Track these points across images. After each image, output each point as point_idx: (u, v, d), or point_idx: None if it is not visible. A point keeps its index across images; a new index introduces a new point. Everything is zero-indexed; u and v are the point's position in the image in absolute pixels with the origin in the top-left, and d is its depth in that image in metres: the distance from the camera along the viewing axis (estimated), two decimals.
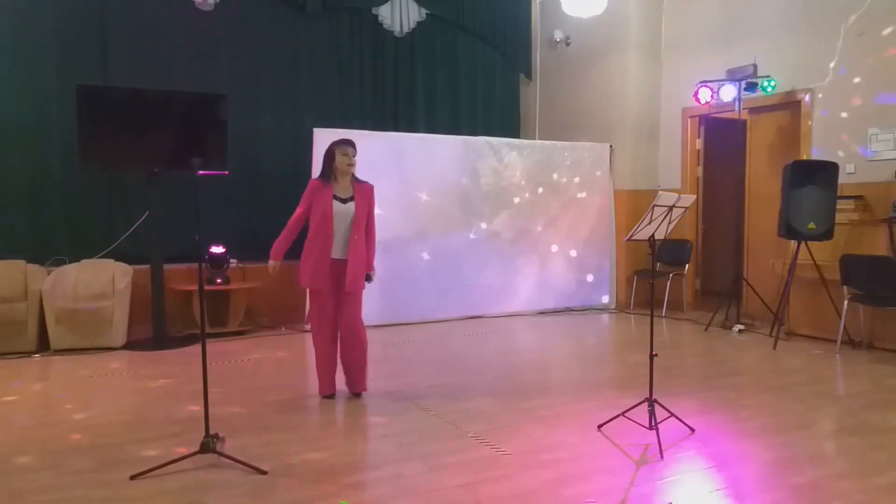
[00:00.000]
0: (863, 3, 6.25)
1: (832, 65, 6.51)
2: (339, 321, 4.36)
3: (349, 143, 4.31)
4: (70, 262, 6.34)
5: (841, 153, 6.39)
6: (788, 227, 5.96)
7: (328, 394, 4.43)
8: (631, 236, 3.75)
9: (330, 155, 4.28)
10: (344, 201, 4.25)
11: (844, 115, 6.45)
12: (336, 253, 4.24)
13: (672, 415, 3.76)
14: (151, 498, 2.94)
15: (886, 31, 6.11)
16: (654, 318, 3.93)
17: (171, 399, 4.46)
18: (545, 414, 4.10)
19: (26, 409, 4.30)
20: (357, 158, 4.37)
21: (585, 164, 8.09)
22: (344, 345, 4.40)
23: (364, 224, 4.31)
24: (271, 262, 4.38)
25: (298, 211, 4.31)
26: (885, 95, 6.12)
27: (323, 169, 4.34)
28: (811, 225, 5.87)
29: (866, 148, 6.27)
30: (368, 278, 4.37)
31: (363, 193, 4.33)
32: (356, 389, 4.45)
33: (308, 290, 4.43)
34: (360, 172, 4.41)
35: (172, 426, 3.87)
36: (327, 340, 4.37)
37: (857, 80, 6.35)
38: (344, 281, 4.24)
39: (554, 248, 7.96)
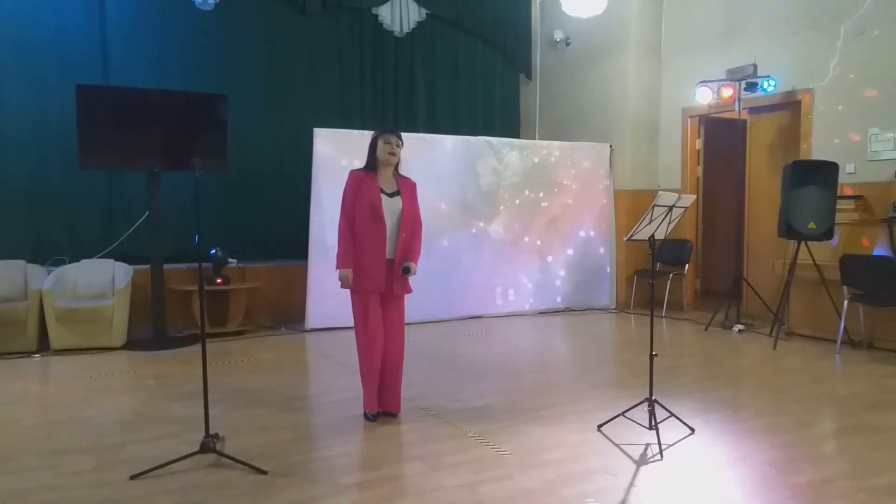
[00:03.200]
0: (863, 3, 6.24)
1: (832, 65, 6.51)
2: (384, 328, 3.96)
3: (392, 133, 3.97)
4: (70, 262, 6.34)
5: (841, 153, 6.39)
6: (788, 227, 5.96)
7: (378, 412, 4.00)
8: (631, 236, 3.75)
9: (373, 144, 3.95)
10: (390, 195, 3.89)
11: (844, 115, 6.45)
12: (387, 252, 3.88)
13: (672, 415, 3.76)
14: (151, 498, 2.94)
15: (887, 31, 6.11)
16: (654, 318, 3.93)
17: (172, 399, 4.46)
18: (545, 414, 4.10)
19: (26, 409, 4.30)
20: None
21: (585, 164, 8.09)
22: (385, 354, 3.96)
23: (411, 221, 3.97)
24: (343, 272, 3.86)
25: (346, 211, 3.87)
26: (884, 96, 6.12)
27: (367, 160, 3.97)
28: (811, 225, 5.86)
29: (866, 148, 6.27)
30: (408, 270, 3.92)
31: (408, 189, 4.00)
32: (392, 408, 4.02)
33: (354, 295, 3.92)
34: None
35: (172, 426, 3.87)
36: (378, 350, 3.91)
37: (857, 79, 6.35)
38: (392, 283, 3.89)
39: (554, 248, 7.96)
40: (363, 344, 3.93)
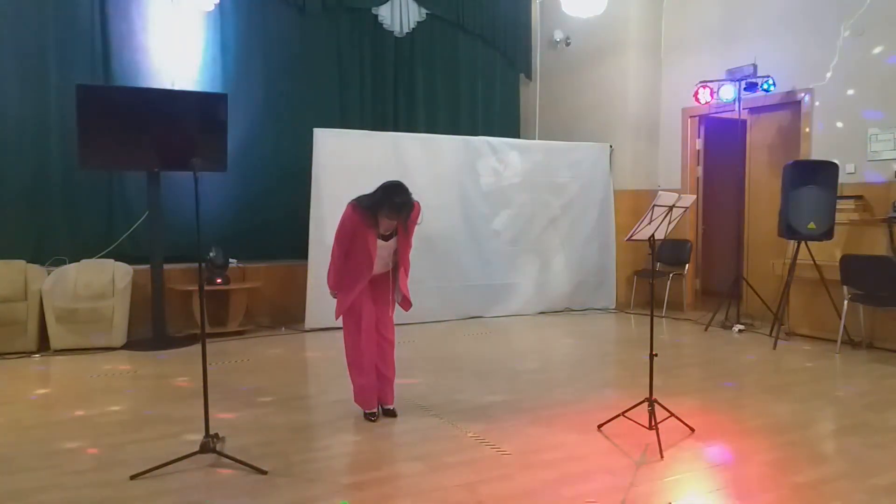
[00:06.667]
0: (863, 3, 6.24)
1: (832, 64, 6.51)
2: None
3: (400, 213, 3.79)
4: (70, 262, 6.33)
5: (841, 153, 6.38)
6: (788, 227, 5.95)
7: (377, 410, 4.06)
8: (631, 236, 3.75)
9: (378, 204, 3.76)
10: (387, 238, 3.91)
11: (844, 114, 6.45)
12: (374, 271, 3.96)
13: (672, 415, 3.75)
14: (151, 498, 2.94)
15: (887, 31, 6.10)
16: (654, 318, 3.93)
17: (172, 399, 4.46)
18: (545, 414, 4.10)
19: (26, 409, 4.30)
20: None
21: (585, 164, 8.08)
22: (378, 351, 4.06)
23: (404, 256, 4.02)
24: (333, 293, 4.03)
25: (341, 241, 3.90)
26: (883, 99, 6.12)
27: (370, 207, 3.78)
28: (811, 225, 5.86)
29: (866, 148, 6.27)
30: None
31: (408, 222, 3.94)
32: (391, 403, 4.11)
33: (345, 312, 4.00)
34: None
35: (172, 426, 3.87)
36: (372, 348, 3.97)
37: (857, 79, 6.34)
38: (379, 289, 4.00)
39: (554, 249, 7.95)
40: (365, 354, 3.93)
